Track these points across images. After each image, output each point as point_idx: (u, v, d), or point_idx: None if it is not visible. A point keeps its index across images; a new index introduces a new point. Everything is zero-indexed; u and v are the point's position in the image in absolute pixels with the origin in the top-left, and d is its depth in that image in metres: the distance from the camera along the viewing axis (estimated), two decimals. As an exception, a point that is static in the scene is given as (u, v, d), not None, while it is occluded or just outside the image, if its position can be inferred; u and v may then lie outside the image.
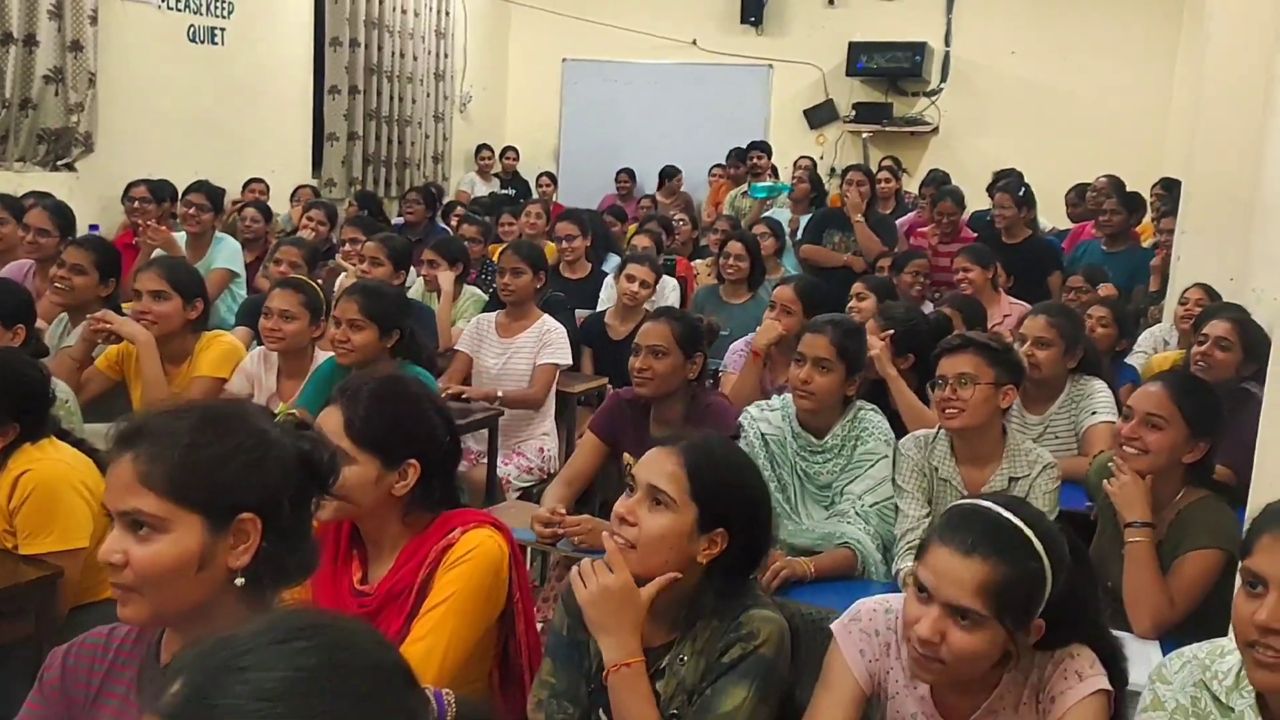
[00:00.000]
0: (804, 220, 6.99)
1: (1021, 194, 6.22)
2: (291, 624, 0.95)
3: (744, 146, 9.21)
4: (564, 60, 11.02)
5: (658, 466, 1.85)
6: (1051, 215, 7.95)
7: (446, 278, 5.08)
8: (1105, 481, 2.58)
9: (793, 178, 7.67)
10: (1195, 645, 1.69)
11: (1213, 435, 2.54)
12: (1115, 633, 2.28)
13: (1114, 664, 1.77)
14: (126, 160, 6.75)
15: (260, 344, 3.86)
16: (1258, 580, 1.49)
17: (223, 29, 7.72)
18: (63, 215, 4.74)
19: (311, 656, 0.91)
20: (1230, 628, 1.58)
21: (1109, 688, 1.72)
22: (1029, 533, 1.67)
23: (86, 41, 6.53)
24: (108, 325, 3.54)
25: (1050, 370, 3.53)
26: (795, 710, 1.91)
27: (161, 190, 6.13)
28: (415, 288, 5.40)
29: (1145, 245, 6.53)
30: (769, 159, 8.76)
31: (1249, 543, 1.52)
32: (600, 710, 1.89)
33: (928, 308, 4.81)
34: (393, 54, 9.47)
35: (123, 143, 6.89)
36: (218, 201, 5.78)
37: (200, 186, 5.66)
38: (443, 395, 3.71)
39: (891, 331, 3.64)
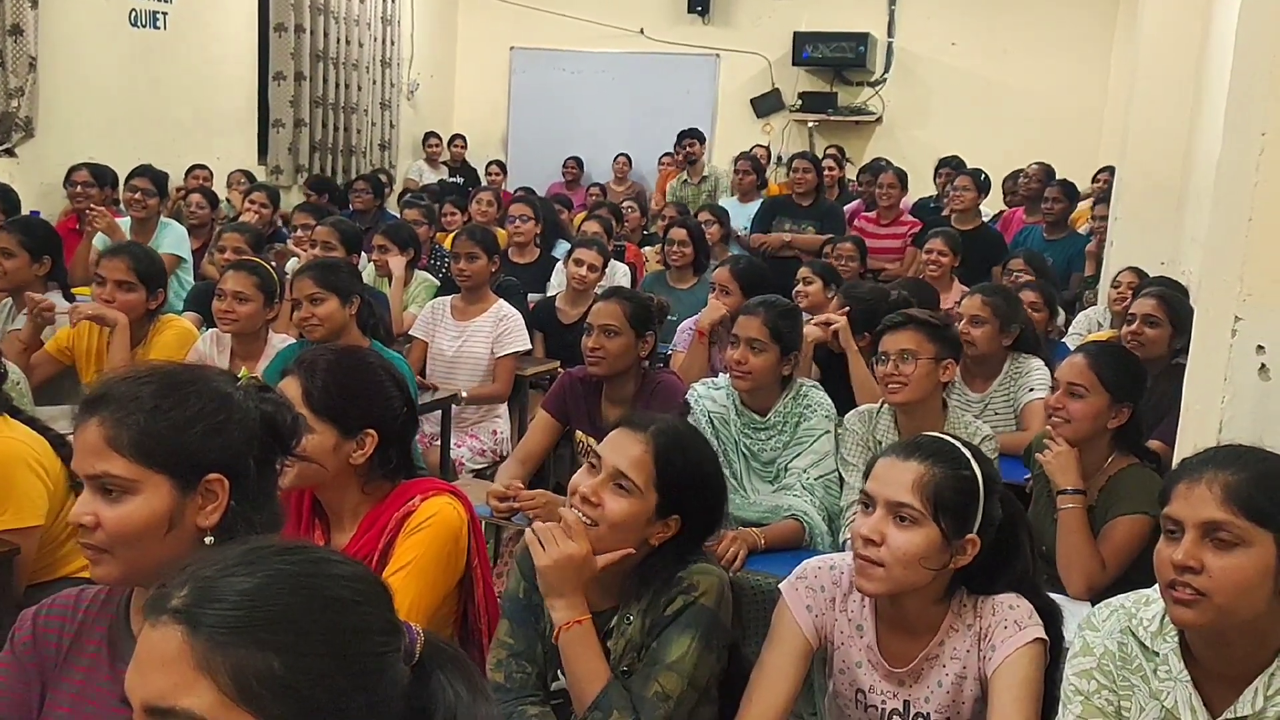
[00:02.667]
0: (750, 209, 7.04)
1: (982, 180, 6.39)
2: (282, 543, 1.05)
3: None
4: (511, 48, 11.02)
5: (625, 451, 1.90)
6: (989, 203, 8.12)
7: (398, 263, 5.10)
8: (1038, 453, 2.70)
9: (735, 169, 7.69)
10: (1122, 595, 1.78)
11: (1134, 400, 2.67)
12: (1051, 595, 2.41)
13: (1051, 623, 1.88)
14: (67, 145, 6.67)
15: (209, 329, 3.87)
16: (1175, 525, 1.60)
17: (165, 13, 7.63)
18: (7, 199, 4.69)
19: (301, 565, 1.00)
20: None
21: (1045, 637, 1.83)
22: (962, 448, 1.84)
23: (27, 25, 6.43)
24: (84, 314, 3.53)
25: (986, 347, 3.65)
26: (743, 669, 1.99)
27: (104, 175, 6.06)
28: (366, 273, 5.40)
29: (1080, 231, 6.72)
30: (702, 145, 8.84)
31: (1166, 494, 1.63)
32: (556, 669, 1.96)
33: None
34: (339, 40, 9.41)
35: (64, 128, 6.80)
36: (162, 186, 5.73)
37: (145, 171, 5.60)
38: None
39: (848, 309, 3.76)
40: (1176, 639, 1.67)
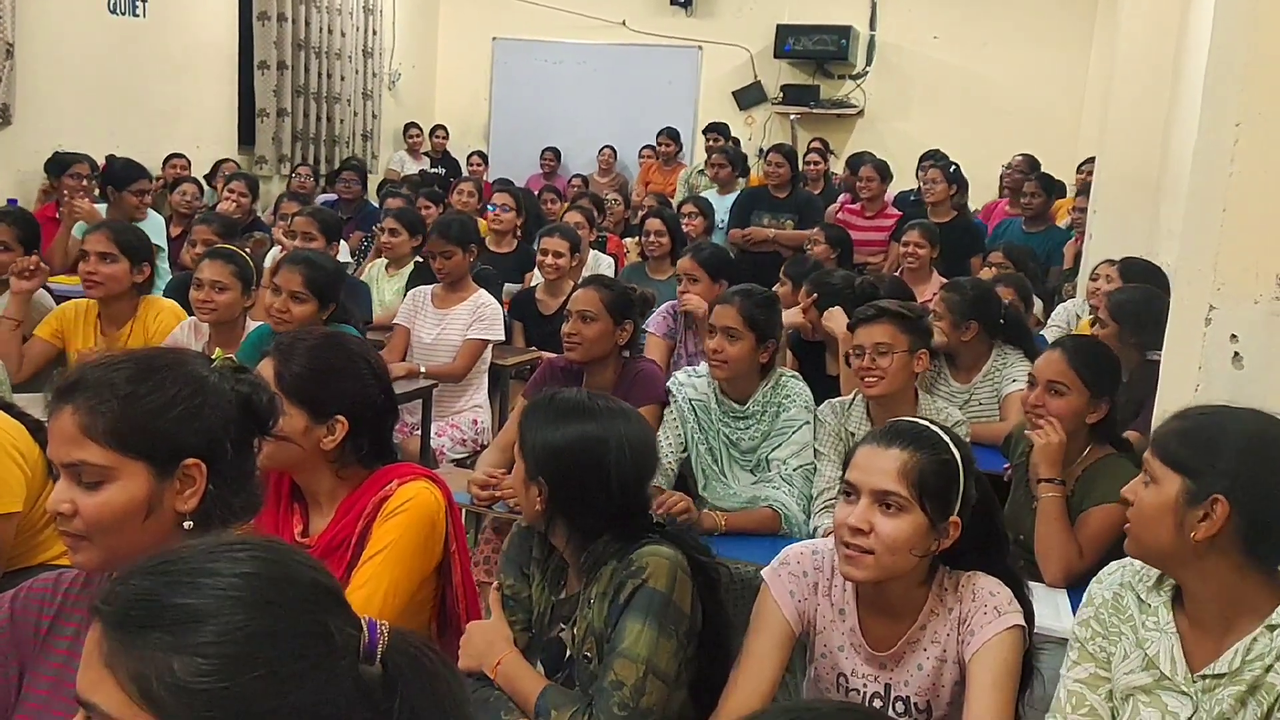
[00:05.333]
0: (729, 200, 7.04)
1: (951, 171, 6.39)
2: (226, 541, 1.02)
3: (674, 127, 9.31)
4: (494, 39, 10.99)
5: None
6: (971, 196, 8.15)
7: (404, 244, 5.19)
8: (1032, 431, 2.68)
9: (711, 161, 7.68)
10: None
11: (1113, 394, 2.69)
12: (1028, 583, 2.43)
13: (1025, 605, 1.90)
14: (45, 133, 6.60)
15: (188, 318, 3.86)
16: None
17: (144, 0, 7.57)
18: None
19: (238, 566, 0.98)
20: None
21: (1024, 624, 1.85)
22: (939, 431, 1.86)
23: (4, 11, 6.35)
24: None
25: (941, 341, 3.64)
26: (727, 659, 2.00)
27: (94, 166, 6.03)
28: (341, 256, 5.42)
29: (1060, 224, 6.76)
30: (726, 140, 8.86)
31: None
32: (536, 660, 1.99)
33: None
34: (321, 30, 9.36)
35: (42, 116, 6.73)
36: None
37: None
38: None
39: (815, 296, 3.78)
40: (1170, 594, 1.74)
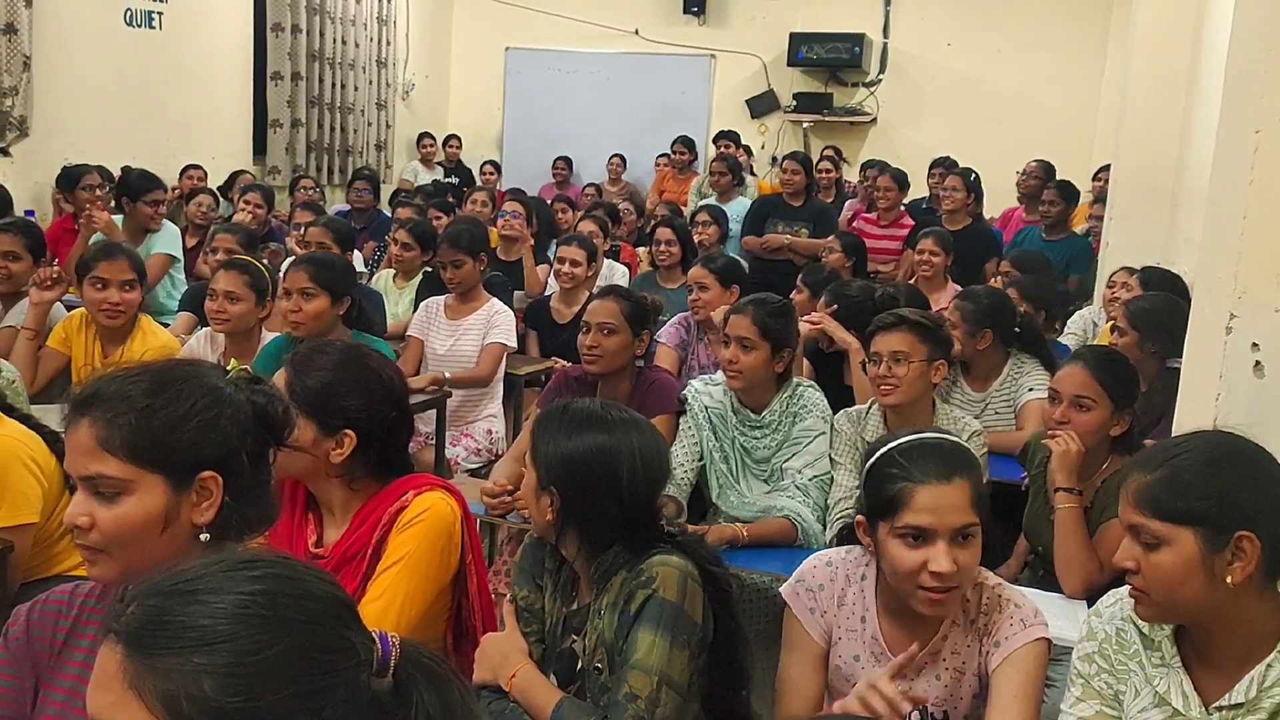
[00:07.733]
0: (731, 208, 7.00)
1: (971, 180, 6.37)
2: (240, 557, 1.02)
3: (689, 135, 9.31)
4: (507, 49, 11.02)
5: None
6: (987, 204, 8.12)
7: (414, 258, 5.20)
8: (1050, 440, 2.66)
9: (710, 170, 7.65)
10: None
11: (1132, 404, 2.67)
12: (1046, 593, 2.41)
13: None
14: (62, 145, 6.64)
15: (203, 328, 3.87)
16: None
17: (160, 13, 7.61)
18: (2, 200, 4.69)
19: (256, 584, 0.97)
20: None
21: (1049, 636, 1.84)
22: (962, 444, 1.89)
23: (21, 24, 6.40)
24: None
25: (956, 350, 3.61)
26: (741, 671, 1.98)
27: (109, 176, 6.06)
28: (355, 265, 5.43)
29: (1076, 230, 6.72)
30: (739, 148, 8.85)
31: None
32: (550, 671, 1.98)
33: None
34: (334, 40, 9.40)
35: (58, 127, 6.77)
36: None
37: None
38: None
39: (835, 306, 3.76)
40: (1172, 627, 1.69)
